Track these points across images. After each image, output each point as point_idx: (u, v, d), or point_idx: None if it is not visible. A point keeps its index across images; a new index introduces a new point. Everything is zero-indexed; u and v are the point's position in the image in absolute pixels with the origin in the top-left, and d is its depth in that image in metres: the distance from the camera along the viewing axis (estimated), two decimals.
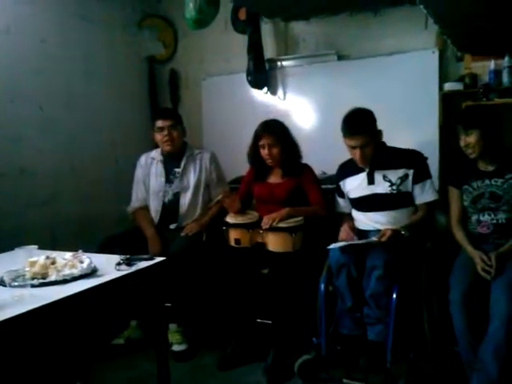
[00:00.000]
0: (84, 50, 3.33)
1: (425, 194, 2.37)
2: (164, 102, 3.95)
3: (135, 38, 3.80)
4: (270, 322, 2.46)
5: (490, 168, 2.22)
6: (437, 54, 3.06)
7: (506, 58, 2.79)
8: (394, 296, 2.11)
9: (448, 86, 2.98)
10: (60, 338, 1.52)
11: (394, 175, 2.36)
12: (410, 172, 2.35)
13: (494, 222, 2.17)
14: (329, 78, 3.39)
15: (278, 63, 3.55)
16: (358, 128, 2.30)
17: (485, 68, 2.91)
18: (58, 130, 3.11)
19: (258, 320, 2.50)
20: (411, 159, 2.39)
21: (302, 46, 3.54)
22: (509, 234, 2.14)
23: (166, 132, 2.78)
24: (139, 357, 2.46)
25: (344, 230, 2.38)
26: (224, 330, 2.64)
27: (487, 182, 2.20)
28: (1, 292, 1.47)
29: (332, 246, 2.24)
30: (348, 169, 2.52)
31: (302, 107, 3.50)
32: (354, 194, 2.48)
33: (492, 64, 2.85)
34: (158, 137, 2.82)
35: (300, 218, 2.45)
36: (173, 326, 2.61)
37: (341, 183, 2.55)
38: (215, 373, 2.41)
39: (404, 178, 2.35)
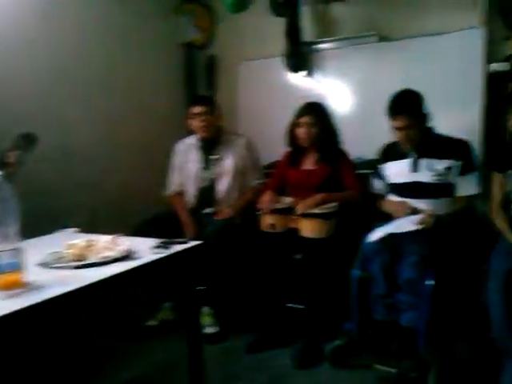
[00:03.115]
0: (122, 35, 3.37)
1: (468, 187, 2.31)
2: (201, 88, 3.97)
3: (173, 23, 3.82)
4: (300, 307, 2.47)
5: None
6: (483, 32, 2.92)
7: None
8: (430, 282, 2.07)
9: (494, 67, 2.86)
10: (98, 317, 1.58)
11: (441, 165, 2.30)
12: (458, 164, 2.29)
13: None
14: (368, 60, 3.31)
15: (317, 46, 3.49)
16: (402, 108, 2.26)
17: None
18: (99, 116, 3.19)
19: (289, 305, 2.52)
20: (460, 150, 2.32)
21: (342, 27, 3.46)
22: None
23: (202, 118, 2.81)
24: (172, 339, 2.49)
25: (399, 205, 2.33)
26: (255, 315, 2.67)
27: None
28: (44, 273, 1.54)
29: (373, 236, 2.21)
30: (392, 152, 2.47)
31: (340, 91, 3.44)
32: (395, 180, 2.44)
33: None
34: (194, 123, 2.85)
35: (334, 204, 2.44)
36: (205, 309, 2.65)
37: (382, 166, 2.51)
38: (244, 356, 2.44)
39: (451, 168, 2.29)
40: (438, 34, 3.05)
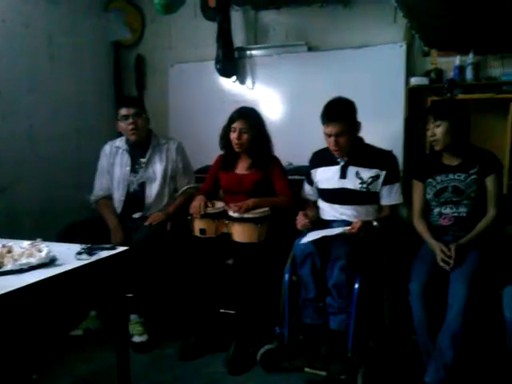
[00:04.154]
0: (47, 32, 3.23)
1: (392, 197, 2.41)
2: (129, 89, 3.88)
3: (101, 21, 3.70)
4: (233, 312, 2.46)
5: (455, 162, 2.26)
6: (404, 48, 3.10)
7: (470, 55, 2.86)
8: (356, 286, 2.13)
9: (414, 81, 3.02)
10: (16, 329, 1.48)
11: (367, 174, 2.38)
12: (383, 173, 2.37)
13: (456, 214, 2.23)
14: (298, 68, 3.39)
15: (248, 52, 3.53)
16: (335, 115, 2.31)
17: (450, 64, 2.98)
18: (18, 114, 3.01)
19: (221, 310, 2.50)
20: (385, 161, 2.41)
21: (272, 35, 3.53)
22: (468, 227, 2.20)
23: (130, 120, 2.72)
24: (98, 348, 2.43)
25: (302, 215, 2.37)
26: (186, 321, 2.63)
27: (451, 176, 2.25)
28: None
29: (304, 240, 2.24)
30: (322, 158, 2.52)
31: (271, 97, 3.50)
32: (323, 185, 2.49)
33: (457, 60, 2.92)
34: (123, 125, 2.76)
35: (266, 209, 2.45)
36: (134, 317, 2.58)
37: (312, 171, 2.56)
38: (176, 363, 2.40)
39: (375, 178, 2.38)
40: (363, 46, 3.20)
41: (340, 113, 2.32)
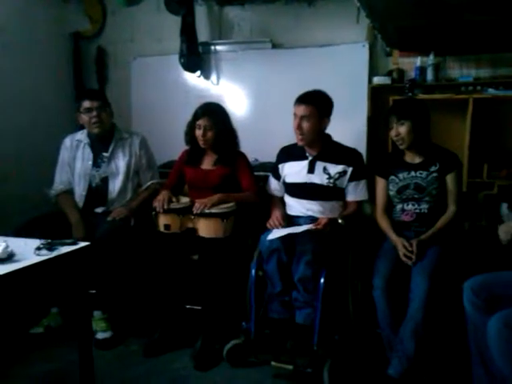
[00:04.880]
0: (3, 20, 3.09)
1: (357, 193, 2.45)
2: (90, 82, 3.78)
3: (59, 11, 3.57)
4: (199, 307, 2.44)
5: (417, 160, 2.33)
6: (367, 48, 3.17)
7: (431, 56, 2.95)
8: (322, 280, 2.16)
9: (376, 80, 3.09)
10: None
11: (334, 169, 2.41)
12: (349, 170, 2.41)
13: (417, 211, 2.29)
14: (262, 65, 3.41)
15: (212, 47, 3.51)
16: (305, 98, 2.35)
17: (411, 64, 3.07)
18: None
19: (187, 306, 2.48)
20: (352, 158, 2.45)
21: (237, 31, 3.53)
22: (429, 222, 2.27)
23: (94, 113, 2.64)
24: (60, 346, 2.36)
25: (275, 219, 2.39)
26: (151, 317, 2.59)
27: (413, 173, 2.31)
28: None
29: (270, 236, 2.25)
30: (291, 153, 2.54)
31: (235, 93, 3.49)
32: (290, 179, 2.51)
33: (418, 61, 3.00)
34: (85, 118, 2.67)
35: (232, 204, 2.44)
36: (97, 313, 2.53)
37: (280, 166, 2.57)
38: (141, 360, 2.36)
39: (342, 174, 2.41)
40: (327, 45, 3.24)
41: (311, 97, 2.36)
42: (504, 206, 2.77)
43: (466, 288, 1.81)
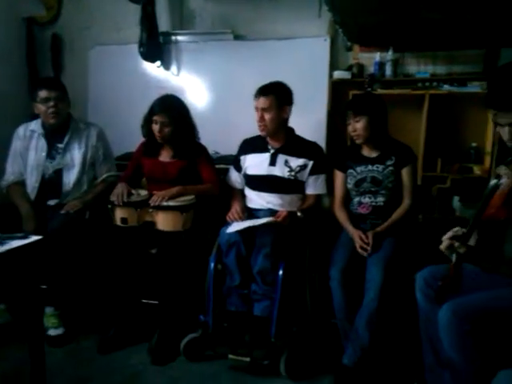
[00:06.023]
0: None
1: (317, 187, 2.47)
2: (45, 70, 3.65)
3: None
4: (155, 302, 2.41)
5: (374, 154, 2.37)
6: (328, 42, 3.19)
7: (390, 52, 3.00)
8: (281, 273, 2.17)
9: (337, 75, 3.12)
10: None
11: (295, 162, 2.42)
12: (310, 163, 2.43)
13: (374, 204, 2.33)
14: (224, 57, 3.38)
15: (173, 37, 3.45)
16: (264, 89, 2.36)
17: (371, 59, 3.10)
18: None
19: (144, 301, 2.44)
20: (313, 151, 2.46)
21: (198, 22, 3.48)
22: (385, 215, 2.31)
23: (51, 104, 2.55)
24: (9, 344, 2.27)
25: (235, 212, 2.38)
26: (105, 313, 2.52)
27: (370, 167, 2.35)
28: None
29: (230, 229, 2.24)
30: (253, 145, 2.53)
31: (196, 84, 3.45)
32: (252, 171, 2.50)
33: (377, 56, 3.04)
34: (42, 108, 2.57)
35: (191, 197, 2.41)
36: (49, 310, 2.46)
37: (241, 157, 2.56)
38: (96, 357, 2.31)
39: (303, 167, 2.43)
40: (288, 38, 3.24)
41: (269, 88, 2.37)
42: (456, 199, 2.87)
43: (419, 278, 1.84)
